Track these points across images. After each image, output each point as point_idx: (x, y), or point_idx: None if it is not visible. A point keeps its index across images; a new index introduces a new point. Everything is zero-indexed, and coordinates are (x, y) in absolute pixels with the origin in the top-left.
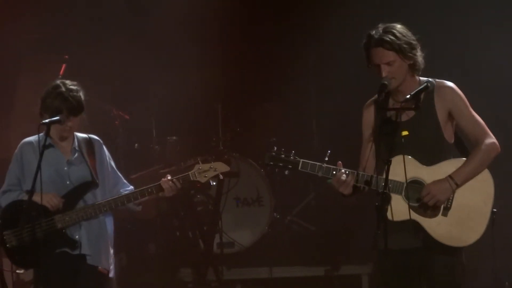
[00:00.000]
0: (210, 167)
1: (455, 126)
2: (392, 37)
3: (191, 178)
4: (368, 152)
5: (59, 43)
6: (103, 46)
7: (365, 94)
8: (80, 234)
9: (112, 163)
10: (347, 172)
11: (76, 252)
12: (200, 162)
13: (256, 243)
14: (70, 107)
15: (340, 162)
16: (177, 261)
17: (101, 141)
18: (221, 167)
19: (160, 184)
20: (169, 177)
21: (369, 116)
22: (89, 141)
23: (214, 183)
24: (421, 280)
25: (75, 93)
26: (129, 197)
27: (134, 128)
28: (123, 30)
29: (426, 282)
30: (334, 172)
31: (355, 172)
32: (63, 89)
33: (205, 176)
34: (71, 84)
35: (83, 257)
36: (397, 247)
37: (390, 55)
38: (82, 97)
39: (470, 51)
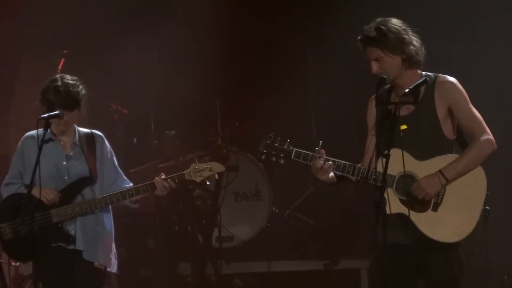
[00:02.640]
0: (206, 167)
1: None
2: (376, 34)
3: (186, 178)
4: (369, 145)
5: (58, 39)
6: (101, 42)
7: (363, 88)
8: (75, 229)
9: (114, 159)
10: (329, 162)
11: (71, 247)
12: (196, 161)
13: (255, 237)
14: (64, 102)
15: (322, 150)
16: (176, 256)
17: (103, 136)
18: (217, 167)
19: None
20: (163, 176)
21: (373, 109)
22: (91, 136)
23: (209, 183)
24: (419, 275)
25: (71, 88)
26: (124, 194)
27: (132, 122)
28: (121, 26)
29: (423, 277)
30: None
31: (341, 162)
32: (59, 83)
33: (200, 176)
34: (70, 79)
35: (79, 252)
36: (394, 241)
37: (376, 52)
38: (81, 92)
39: (470, 47)
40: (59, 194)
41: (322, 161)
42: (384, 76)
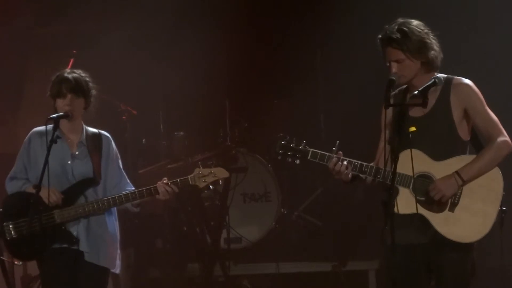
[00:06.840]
0: (210, 172)
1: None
2: (400, 36)
3: (190, 183)
4: (382, 146)
5: (67, 39)
6: (110, 42)
7: (373, 90)
8: (78, 231)
9: (119, 162)
10: (345, 162)
11: (75, 247)
12: (200, 166)
13: (263, 239)
14: (68, 85)
15: (340, 152)
16: (184, 257)
17: (111, 138)
18: (221, 173)
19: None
20: (165, 181)
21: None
22: (98, 136)
23: (212, 187)
24: (429, 276)
25: (76, 75)
26: (127, 197)
27: (141, 123)
28: (130, 26)
29: (434, 278)
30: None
31: (358, 163)
32: (68, 71)
33: (204, 181)
34: (80, 72)
35: (82, 253)
36: (404, 242)
37: (398, 54)
38: (89, 83)
39: (488, 48)
40: (62, 196)
41: (339, 162)
42: (393, 78)
